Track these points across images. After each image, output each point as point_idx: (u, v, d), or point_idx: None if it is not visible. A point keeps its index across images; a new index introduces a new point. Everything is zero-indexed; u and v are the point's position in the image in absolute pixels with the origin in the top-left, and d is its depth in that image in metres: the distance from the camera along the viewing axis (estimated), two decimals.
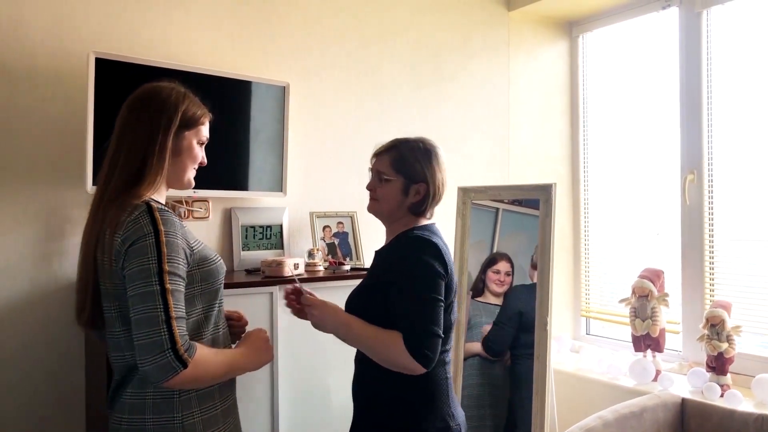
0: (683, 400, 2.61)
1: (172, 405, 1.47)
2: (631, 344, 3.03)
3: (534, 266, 2.63)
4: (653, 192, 3.35)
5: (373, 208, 1.84)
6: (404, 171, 1.78)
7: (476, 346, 2.74)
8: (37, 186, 2.38)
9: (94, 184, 2.30)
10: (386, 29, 3.21)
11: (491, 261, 2.73)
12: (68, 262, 2.43)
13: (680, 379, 2.86)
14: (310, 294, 1.75)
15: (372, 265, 1.84)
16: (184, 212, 2.60)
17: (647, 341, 2.95)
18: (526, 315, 2.64)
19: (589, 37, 3.71)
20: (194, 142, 1.61)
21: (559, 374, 3.20)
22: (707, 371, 2.75)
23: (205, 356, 1.44)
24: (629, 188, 3.47)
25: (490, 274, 2.71)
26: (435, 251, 1.68)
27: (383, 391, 1.70)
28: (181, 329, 1.40)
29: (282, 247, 2.84)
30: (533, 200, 2.62)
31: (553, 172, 3.65)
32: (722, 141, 3.00)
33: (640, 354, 2.99)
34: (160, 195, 1.57)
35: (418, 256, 1.66)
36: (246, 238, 2.77)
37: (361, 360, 1.76)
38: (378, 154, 1.84)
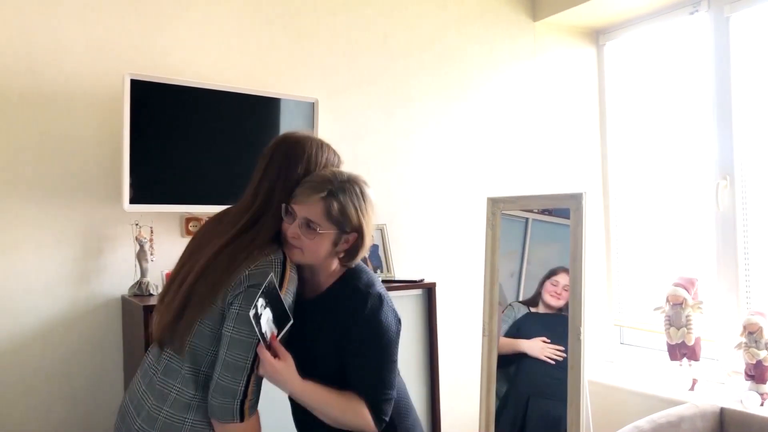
0: (722, 409, 2.56)
1: None
2: (667, 353, 3.00)
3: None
4: (684, 199, 3.31)
5: (297, 258, 1.58)
6: (340, 223, 1.57)
7: (524, 344, 2.64)
8: (76, 206, 2.45)
9: (131, 202, 2.36)
10: (413, 44, 3.24)
11: (552, 272, 2.66)
12: (106, 280, 2.48)
13: (718, 388, 2.82)
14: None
15: (310, 322, 1.63)
16: None
17: (683, 350, 2.91)
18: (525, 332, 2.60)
19: (615, 44, 3.70)
20: None
21: (594, 385, 3.17)
22: (746, 380, 2.70)
23: (254, 427, 1.54)
24: (660, 195, 3.44)
25: (547, 285, 2.65)
26: (388, 306, 1.62)
27: None
28: (255, 386, 1.51)
29: None
30: (563, 209, 2.61)
31: (583, 181, 3.64)
32: (755, 146, 2.96)
33: (676, 363, 2.95)
34: None
35: (374, 318, 1.58)
36: None
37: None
38: (307, 199, 1.56)
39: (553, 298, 2.60)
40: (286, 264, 1.54)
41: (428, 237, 3.25)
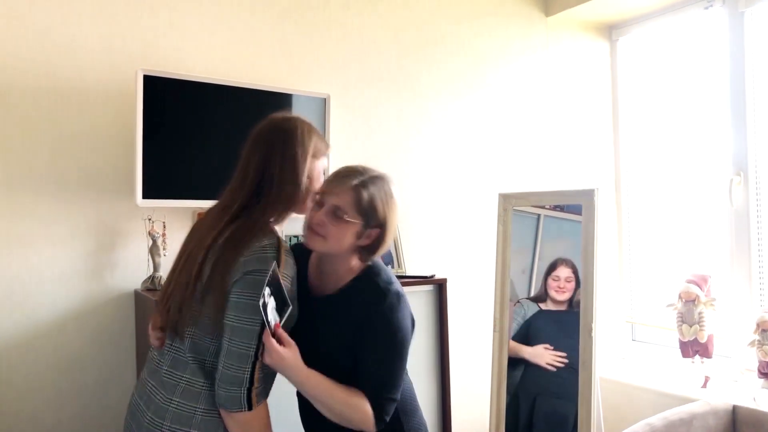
0: (734, 407, 2.55)
1: (218, 424, 1.51)
2: (679, 350, 2.98)
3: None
4: (698, 195, 3.29)
5: (318, 246, 1.60)
6: (367, 215, 1.59)
7: (526, 351, 2.66)
8: (89, 201, 2.46)
9: (144, 197, 2.38)
10: (425, 39, 3.23)
11: (551, 267, 2.67)
12: (119, 274, 2.50)
13: (731, 385, 2.80)
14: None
15: (325, 318, 1.64)
16: None
17: (695, 347, 2.90)
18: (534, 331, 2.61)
19: (629, 40, 3.68)
20: (321, 170, 1.68)
21: (606, 382, 3.16)
22: (759, 377, 2.68)
23: (267, 416, 1.53)
24: (673, 192, 3.42)
25: (549, 281, 2.66)
26: (405, 306, 1.63)
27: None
28: (262, 374, 1.49)
29: None
30: (575, 206, 2.60)
31: (595, 177, 3.62)
32: None
33: (689, 360, 2.93)
34: (285, 221, 1.66)
35: (391, 314, 1.58)
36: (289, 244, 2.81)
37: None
38: (338, 188, 1.60)
39: (558, 293, 2.62)
40: (280, 249, 1.53)
41: (439, 232, 3.25)
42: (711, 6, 3.14)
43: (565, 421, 2.48)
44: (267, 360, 1.49)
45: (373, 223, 1.60)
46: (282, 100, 2.70)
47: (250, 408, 1.47)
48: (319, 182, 1.67)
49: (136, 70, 2.38)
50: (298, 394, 1.75)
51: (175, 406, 1.51)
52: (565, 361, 2.52)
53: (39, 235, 2.38)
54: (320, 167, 1.68)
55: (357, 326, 1.59)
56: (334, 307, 1.64)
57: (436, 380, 2.74)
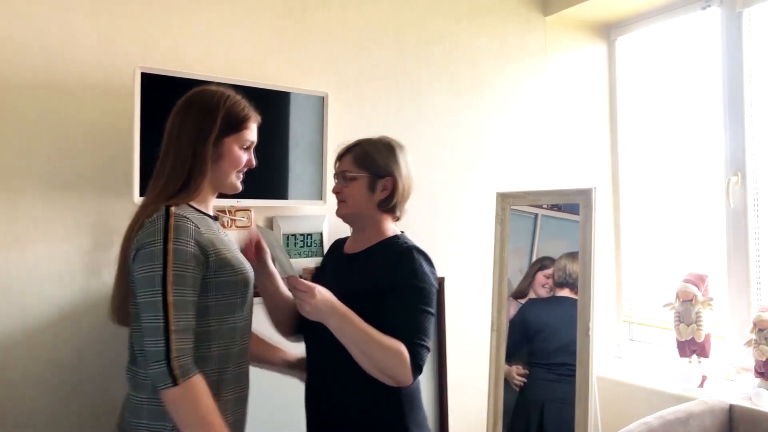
0: (731, 406, 2.55)
1: (166, 413, 1.45)
2: (676, 350, 2.99)
3: (557, 283, 2.60)
4: (695, 195, 3.29)
5: (341, 211, 1.77)
6: (368, 166, 1.75)
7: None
8: (87, 199, 2.46)
9: (141, 195, 2.37)
10: (423, 38, 3.23)
11: (543, 265, 2.68)
12: None
13: (727, 385, 2.81)
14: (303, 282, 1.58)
15: (350, 269, 1.76)
16: (228, 221, 2.66)
17: (692, 346, 2.90)
18: (534, 325, 2.64)
19: (627, 40, 3.68)
20: (235, 147, 1.61)
21: (603, 380, 3.16)
22: (756, 377, 2.69)
23: (199, 391, 1.42)
24: (671, 191, 3.42)
25: (540, 276, 2.68)
26: (428, 261, 1.72)
27: (364, 406, 1.67)
28: (180, 342, 1.41)
29: (322, 254, 2.87)
30: (573, 205, 2.60)
31: (592, 176, 3.63)
32: (767, 142, 2.94)
33: (686, 359, 2.94)
34: (205, 202, 1.60)
35: (415, 267, 1.67)
36: (287, 246, 2.81)
37: (339, 375, 1.66)
38: (340, 157, 1.81)
39: (544, 290, 2.64)
40: (169, 216, 1.47)
41: (437, 231, 3.25)
42: (708, 6, 3.14)
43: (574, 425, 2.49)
44: (301, 310, 1.53)
45: (381, 172, 1.75)
46: (280, 98, 2.70)
47: (174, 382, 1.38)
48: (237, 158, 1.61)
49: (134, 67, 2.37)
50: (308, 382, 1.77)
51: (130, 398, 1.52)
52: (524, 380, 2.63)
53: (36, 234, 2.38)
54: (235, 142, 1.61)
55: (381, 279, 1.65)
56: (359, 261, 1.75)
57: (433, 379, 2.74)
